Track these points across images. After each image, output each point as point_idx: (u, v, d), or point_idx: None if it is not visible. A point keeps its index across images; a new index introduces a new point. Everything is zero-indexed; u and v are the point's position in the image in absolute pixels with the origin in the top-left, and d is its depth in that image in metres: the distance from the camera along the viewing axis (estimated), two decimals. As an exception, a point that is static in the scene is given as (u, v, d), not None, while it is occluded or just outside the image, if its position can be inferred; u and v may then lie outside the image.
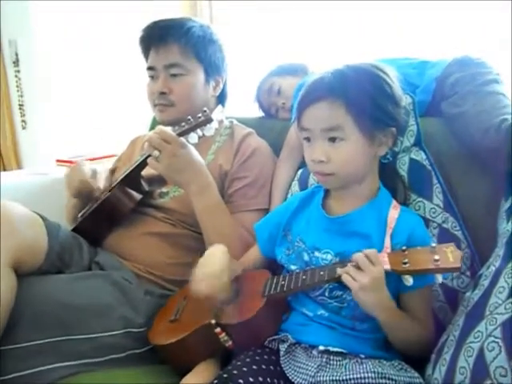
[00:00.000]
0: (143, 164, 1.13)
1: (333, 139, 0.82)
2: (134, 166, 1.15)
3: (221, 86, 1.30)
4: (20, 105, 2.49)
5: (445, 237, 0.97)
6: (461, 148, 1.03)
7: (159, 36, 1.20)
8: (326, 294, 0.85)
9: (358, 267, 0.76)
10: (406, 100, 1.01)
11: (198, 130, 1.03)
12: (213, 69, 1.26)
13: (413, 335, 0.82)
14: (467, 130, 1.01)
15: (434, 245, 0.74)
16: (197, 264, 0.90)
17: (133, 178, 1.17)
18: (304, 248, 0.89)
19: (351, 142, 0.82)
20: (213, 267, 0.88)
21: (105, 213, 1.16)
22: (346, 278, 0.77)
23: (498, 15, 1.44)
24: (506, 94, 1.02)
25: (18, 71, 2.45)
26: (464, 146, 1.03)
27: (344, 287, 0.81)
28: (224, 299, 0.87)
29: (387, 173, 0.93)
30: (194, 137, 1.03)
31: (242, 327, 0.85)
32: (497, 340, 0.64)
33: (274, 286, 0.87)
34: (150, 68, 1.24)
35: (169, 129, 1.07)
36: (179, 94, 1.20)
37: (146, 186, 1.20)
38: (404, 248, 0.76)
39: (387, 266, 0.75)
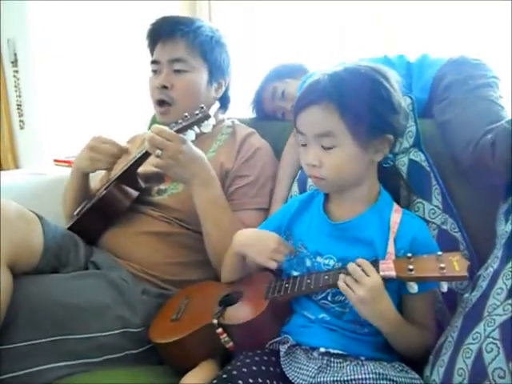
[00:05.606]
0: (140, 161, 1.13)
1: (326, 145, 0.81)
2: (131, 163, 1.15)
3: (223, 88, 1.30)
4: (18, 105, 2.49)
5: (444, 238, 0.98)
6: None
7: (168, 30, 1.20)
8: (329, 298, 0.84)
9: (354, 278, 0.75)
10: (405, 101, 1.00)
11: (195, 127, 1.03)
12: (217, 70, 1.26)
13: (416, 341, 0.81)
14: (450, 140, 1.01)
15: (439, 253, 0.74)
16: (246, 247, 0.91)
17: (129, 175, 1.16)
18: (306, 253, 0.88)
19: (344, 149, 0.80)
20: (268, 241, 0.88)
21: (101, 210, 1.16)
22: (344, 290, 0.75)
23: (499, 14, 1.45)
24: (497, 98, 1.01)
25: (17, 71, 2.45)
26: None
27: None
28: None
29: (390, 176, 0.92)
30: (191, 134, 1.03)
31: (243, 329, 0.84)
32: (495, 341, 0.63)
33: (277, 288, 0.87)
34: (154, 62, 1.24)
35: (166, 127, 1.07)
36: (180, 91, 1.20)
37: (142, 184, 1.20)
38: (409, 255, 0.76)
39: (393, 273, 0.74)
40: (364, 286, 0.73)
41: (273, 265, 0.87)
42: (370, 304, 0.74)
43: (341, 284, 0.76)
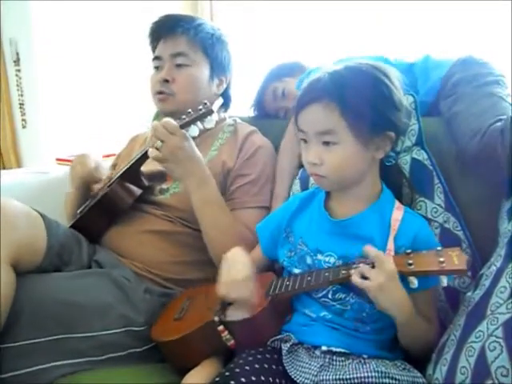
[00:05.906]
0: (143, 158, 1.13)
1: (327, 143, 0.81)
2: (134, 160, 1.15)
3: (224, 85, 1.31)
4: (20, 104, 2.49)
5: (446, 237, 0.97)
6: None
7: (169, 27, 1.22)
8: (330, 296, 0.84)
9: (372, 266, 0.74)
10: (407, 100, 1.00)
11: (199, 123, 1.03)
12: (218, 66, 1.27)
13: (422, 334, 0.81)
14: (456, 132, 1.01)
15: (439, 248, 0.74)
16: (220, 267, 0.89)
17: (132, 173, 1.17)
18: (307, 251, 0.88)
19: (345, 146, 0.80)
20: (240, 274, 0.86)
21: (104, 208, 1.16)
22: (360, 283, 0.74)
23: (499, 14, 1.45)
24: (506, 96, 1.01)
25: (19, 70, 2.45)
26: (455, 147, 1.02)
27: (347, 290, 0.81)
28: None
29: (392, 174, 0.92)
30: (194, 130, 1.03)
31: (244, 325, 0.85)
32: (498, 340, 0.63)
33: (278, 286, 0.87)
34: (156, 58, 1.25)
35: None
36: (181, 84, 1.21)
37: (145, 182, 1.20)
38: (409, 251, 0.76)
39: None
40: (383, 272, 0.73)
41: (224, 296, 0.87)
42: (388, 291, 0.73)
43: (355, 277, 0.75)
